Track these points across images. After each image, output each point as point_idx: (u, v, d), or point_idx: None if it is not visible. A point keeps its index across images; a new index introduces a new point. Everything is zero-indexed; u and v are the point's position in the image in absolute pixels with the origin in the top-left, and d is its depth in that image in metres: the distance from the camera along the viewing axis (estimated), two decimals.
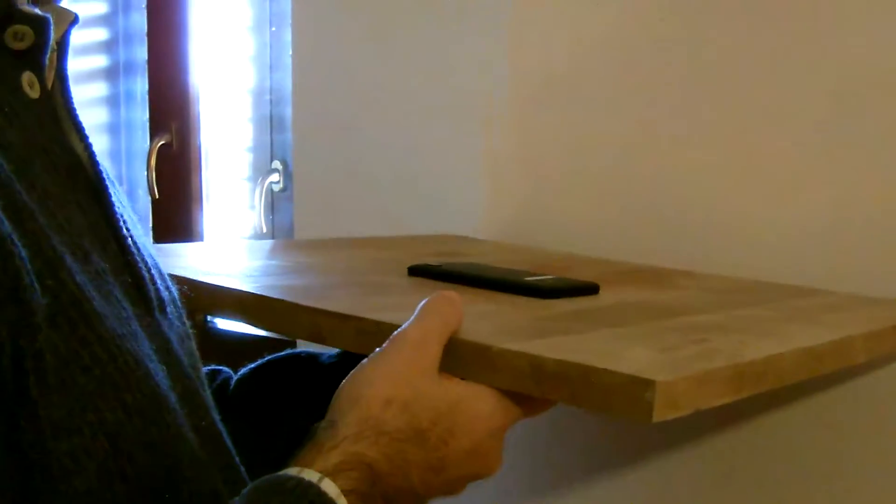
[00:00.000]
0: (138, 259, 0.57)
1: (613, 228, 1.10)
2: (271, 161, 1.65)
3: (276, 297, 0.68)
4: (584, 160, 1.13)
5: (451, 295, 0.60)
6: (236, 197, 1.73)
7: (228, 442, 0.59)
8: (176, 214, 1.75)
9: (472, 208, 1.23)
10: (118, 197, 0.59)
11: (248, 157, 1.70)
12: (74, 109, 0.57)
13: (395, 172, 1.30)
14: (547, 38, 1.16)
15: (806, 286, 0.89)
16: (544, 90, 1.16)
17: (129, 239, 0.57)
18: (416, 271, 0.81)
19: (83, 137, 0.57)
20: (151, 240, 1.79)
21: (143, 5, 1.79)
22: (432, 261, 0.85)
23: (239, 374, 0.81)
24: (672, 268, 0.97)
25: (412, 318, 0.58)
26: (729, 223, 1.01)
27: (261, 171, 1.66)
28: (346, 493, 0.51)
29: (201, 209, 1.75)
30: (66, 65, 0.58)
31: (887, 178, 0.91)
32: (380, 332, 0.59)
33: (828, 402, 0.93)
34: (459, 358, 0.57)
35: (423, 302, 0.59)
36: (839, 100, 0.94)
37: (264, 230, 1.63)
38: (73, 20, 0.58)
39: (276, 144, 1.65)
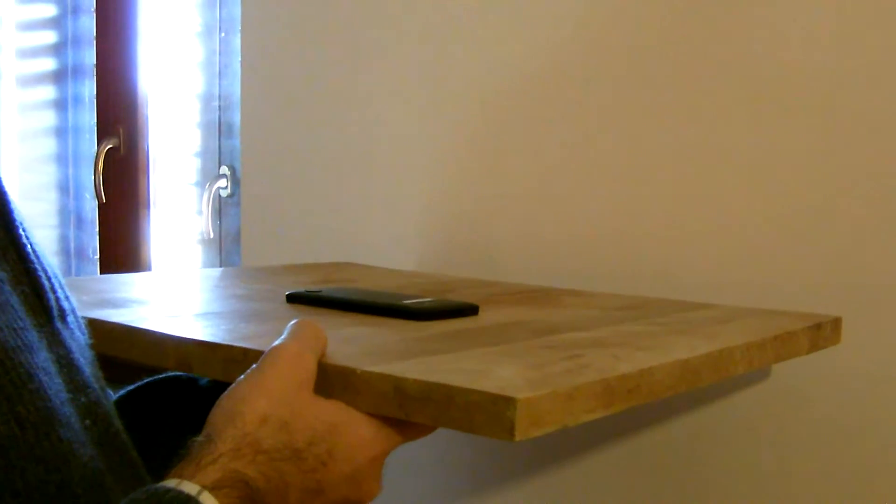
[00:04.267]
0: (38, 267, 0.56)
1: (533, 254, 1.10)
2: (219, 166, 1.64)
3: (143, 327, 0.67)
4: (506, 189, 1.14)
5: (311, 321, 0.59)
6: (184, 202, 1.72)
7: (134, 453, 0.58)
8: (123, 219, 1.73)
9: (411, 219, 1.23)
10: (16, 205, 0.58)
11: (195, 163, 1.69)
12: None
13: (342, 179, 1.30)
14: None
15: (693, 301, 0.89)
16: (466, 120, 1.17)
17: (29, 247, 0.56)
18: (295, 298, 0.81)
19: None
20: (97, 244, 1.78)
21: (92, 9, 1.78)
22: (312, 287, 0.84)
23: (116, 396, 0.79)
24: (569, 288, 0.97)
25: (283, 336, 0.58)
26: (632, 242, 1.02)
27: (208, 177, 1.64)
28: None
29: (148, 214, 1.74)
30: None
31: (773, 193, 0.92)
32: (247, 360, 0.58)
33: (707, 413, 0.94)
34: (325, 381, 0.56)
35: (291, 323, 0.59)
36: (720, 116, 0.95)
37: (211, 235, 1.62)
38: None
39: (223, 150, 1.64)
